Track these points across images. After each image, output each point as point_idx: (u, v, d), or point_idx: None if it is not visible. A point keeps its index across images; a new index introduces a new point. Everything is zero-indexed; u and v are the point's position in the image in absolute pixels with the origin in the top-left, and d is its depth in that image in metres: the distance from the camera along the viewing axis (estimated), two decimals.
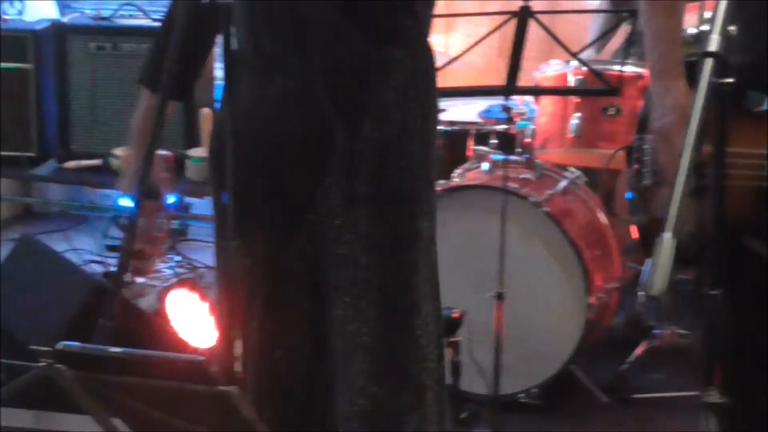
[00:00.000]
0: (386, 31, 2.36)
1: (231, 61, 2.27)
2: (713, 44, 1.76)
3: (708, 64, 1.75)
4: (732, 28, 1.77)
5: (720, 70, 1.77)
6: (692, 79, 2.42)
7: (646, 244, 2.60)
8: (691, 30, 1.84)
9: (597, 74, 3.69)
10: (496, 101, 4.21)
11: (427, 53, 2.48)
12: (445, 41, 5.52)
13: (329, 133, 2.32)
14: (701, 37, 1.79)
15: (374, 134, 2.33)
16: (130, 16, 4.79)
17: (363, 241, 2.33)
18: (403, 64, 2.38)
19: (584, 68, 3.79)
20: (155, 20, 4.64)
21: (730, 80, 1.80)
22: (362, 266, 2.32)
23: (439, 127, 4.17)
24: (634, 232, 2.62)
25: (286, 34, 2.32)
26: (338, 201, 2.33)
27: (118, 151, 4.45)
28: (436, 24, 5.35)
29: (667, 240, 1.64)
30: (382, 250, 2.34)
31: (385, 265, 2.34)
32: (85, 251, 4.99)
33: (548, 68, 4.11)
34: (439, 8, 5.45)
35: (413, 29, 2.42)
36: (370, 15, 2.32)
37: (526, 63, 3.72)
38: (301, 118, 2.35)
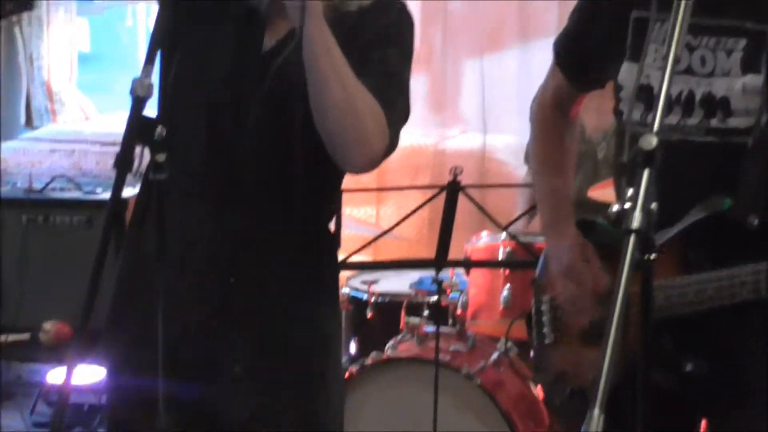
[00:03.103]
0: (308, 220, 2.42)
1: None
2: (636, 221, 1.80)
3: (631, 240, 1.79)
4: (654, 205, 1.82)
5: (643, 247, 1.80)
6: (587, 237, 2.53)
7: (551, 400, 2.73)
8: (615, 207, 1.89)
9: (525, 247, 3.74)
10: (428, 272, 4.24)
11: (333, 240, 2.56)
12: (376, 213, 5.59)
13: None
14: (623, 214, 1.82)
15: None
16: (62, 189, 4.80)
17: None
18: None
19: (513, 240, 3.84)
20: (87, 193, 4.65)
21: (654, 256, 1.83)
22: None
23: (371, 300, 4.24)
24: (540, 391, 2.69)
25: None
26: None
27: (48, 325, 4.42)
28: (368, 196, 5.48)
29: (595, 415, 1.64)
30: None
31: None
32: (12, 428, 4.89)
33: (479, 240, 4.16)
34: (369, 180, 5.60)
35: (327, 219, 2.50)
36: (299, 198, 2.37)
37: (457, 234, 3.77)
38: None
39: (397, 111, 2.32)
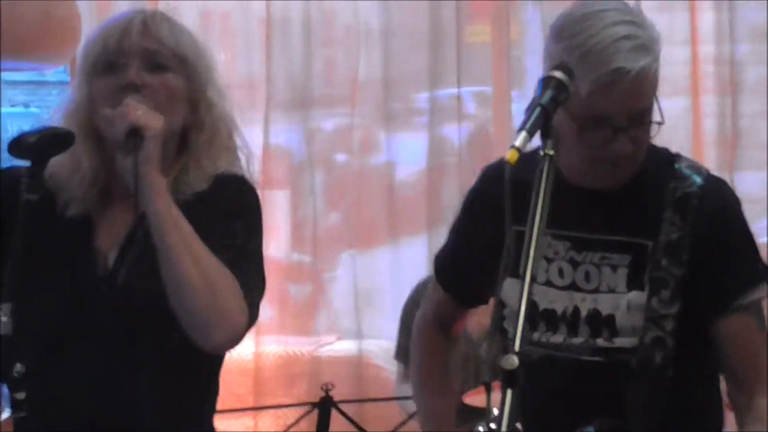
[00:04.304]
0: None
1: None
2: None
3: None
4: (519, 425, 1.81)
5: None
6: None
7: None
8: (481, 428, 1.89)
9: None
10: None
11: None
12: (254, 424, 5.49)
13: None
14: None
15: None
16: None
17: None
18: None
19: None
20: None
21: None
22: None
23: None
24: None
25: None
26: None
27: None
28: (245, 406, 5.36)
29: None
30: None
31: None
32: None
33: None
34: (246, 392, 5.49)
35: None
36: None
37: None
38: None
39: (251, 281, 2.24)
